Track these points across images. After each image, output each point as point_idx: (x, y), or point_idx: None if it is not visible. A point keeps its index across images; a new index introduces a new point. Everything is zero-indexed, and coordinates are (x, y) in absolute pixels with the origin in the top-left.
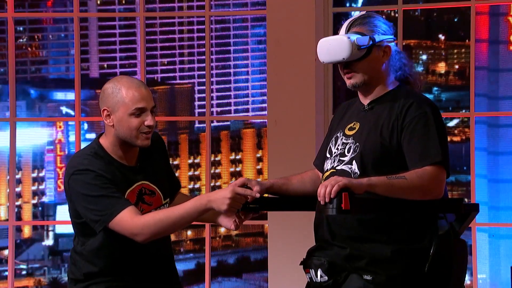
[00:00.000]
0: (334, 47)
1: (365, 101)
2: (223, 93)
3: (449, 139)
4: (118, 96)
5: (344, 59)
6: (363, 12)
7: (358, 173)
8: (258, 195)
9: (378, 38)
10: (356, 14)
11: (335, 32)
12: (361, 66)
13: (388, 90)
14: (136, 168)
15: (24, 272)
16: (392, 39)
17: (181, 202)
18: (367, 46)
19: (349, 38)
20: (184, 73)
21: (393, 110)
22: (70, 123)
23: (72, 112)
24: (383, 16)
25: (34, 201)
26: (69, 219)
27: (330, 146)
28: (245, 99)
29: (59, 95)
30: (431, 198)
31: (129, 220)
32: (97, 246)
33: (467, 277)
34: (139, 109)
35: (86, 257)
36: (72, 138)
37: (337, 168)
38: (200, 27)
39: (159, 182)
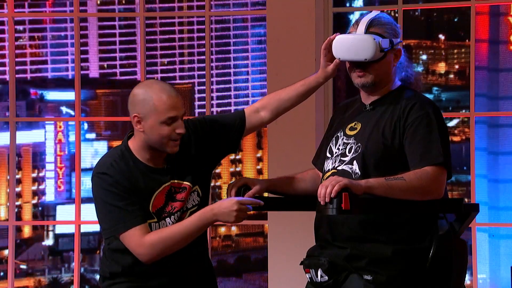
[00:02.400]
0: (357, 45)
1: (368, 100)
2: (223, 93)
3: (449, 139)
4: (150, 103)
5: (366, 59)
6: (378, 12)
7: (359, 173)
8: (262, 203)
9: (395, 41)
10: (368, 13)
11: (336, 32)
12: (376, 68)
13: (391, 90)
14: (163, 169)
15: (24, 272)
16: (401, 42)
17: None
18: (388, 49)
19: (375, 39)
20: (184, 73)
21: (395, 110)
22: (70, 123)
23: (72, 112)
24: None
25: (34, 201)
26: (68, 219)
27: (330, 146)
28: (245, 99)
29: (59, 95)
30: (431, 199)
31: (137, 239)
32: (122, 245)
33: (467, 277)
34: (171, 118)
35: (112, 256)
36: (72, 138)
37: (338, 168)
38: (200, 27)
39: (188, 174)
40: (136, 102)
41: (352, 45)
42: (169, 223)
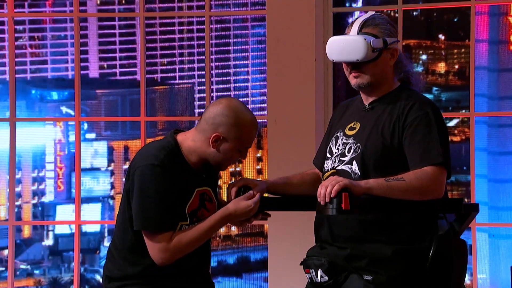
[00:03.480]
0: (348, 47)
1: (367, 101)
2: (223, 93)
3: (449, 139)
4: (238, 133)
5: (358, 60)
6: (373, 13)
7: (359, 173)
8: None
9: (389, 41)
10: (362, 14)
11: (336, 32)
12: (370, 68)
13: (390, 90)
14: (202, 175)
15: (24, 272)
16: (398, 41)
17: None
18: (380, 48)
19: (365, 39)
20: (184, 73)
21: (394, 110)
22: (70, 123)
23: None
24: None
25: (34, 201)
26: (68, 219)
27: (330, 146)
28: (245, 99)
29: (59, 95)
30: (431, 199)
31: (164, 243)
32: (141, 246)
33: (467, 277)
34: (247, 147)
35: (128, 256)
36: (72, 138)
37: (337, 168)
38: (200, 27)
39: (215, 191)
40: (223, 123)
41: (344, 46)
42: None
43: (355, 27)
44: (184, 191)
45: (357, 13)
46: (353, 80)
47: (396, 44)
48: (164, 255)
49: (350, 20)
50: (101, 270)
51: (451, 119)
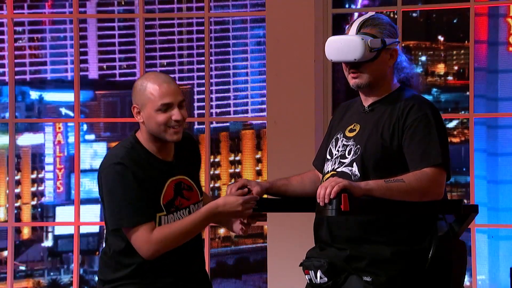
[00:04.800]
0: (346, 46)
1: (367, 102)
2: (223, 94)
3: (448, 140)
4: (145, 93)
5: (355, 60)
6: (373, 13)
7: (359, 175)
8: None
9: (388, 41)
10: (363, 14)
11: (335, 33)
12: (369, 68)
13: (390, 92)
14: (172, 163)
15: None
16: (398, 42)
17: (205, 202)
18: (378, 48)
19: (363, 39)
20: (184, 74)
21: (394, 112)
22: (69, 124)
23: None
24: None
25: (34, 202)
26: (67, 220)
27: (330, 148)
28: (245, 100)
29: (58, 96)
30: (430, 200)
31: (145, 236)
32: (126, 247)
33: (466, 278)
34: (165, 104)
35: (116, 258)
36: (71, 139)
37: (337, 170)
38: (200, 28)
39: (195, 179)
40: (135, 93)
41: (342, 46)
42: (177, 218)
43: (354, 27)
44: (155, 183)
45: (356, 14)
46: (351, 80)
47: (396, 45)
48: (148, 246)
49: (350, 21)
50: None
51: (450, 120)
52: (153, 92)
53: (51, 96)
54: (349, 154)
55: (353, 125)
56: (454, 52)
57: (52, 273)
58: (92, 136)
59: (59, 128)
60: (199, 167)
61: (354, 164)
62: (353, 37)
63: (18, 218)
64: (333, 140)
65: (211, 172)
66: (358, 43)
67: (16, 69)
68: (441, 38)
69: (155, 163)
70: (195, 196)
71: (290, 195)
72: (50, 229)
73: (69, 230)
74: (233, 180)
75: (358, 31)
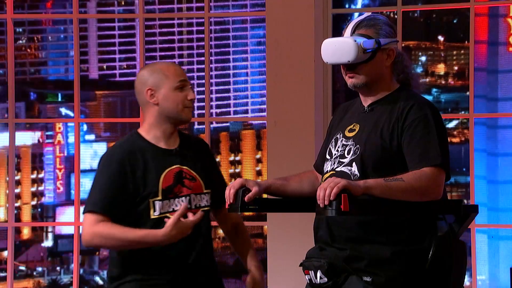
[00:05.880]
0: (339, 49)
1: (366, 102)
2: (223, 94)
3: (448, 140)
4: (159, 74)
5: (349, 61)
6: (369, 14)
7: (358, 175)
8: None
9: (383, 41)
10: (361, 15)
11: (335, 33)
12: (365, 69)
13: (389, 92)
14: (173, 151)
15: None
16: (396, 42)
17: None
18: (372, 49)
19: (355, 41)
20: None
21: (394, 112)
22: (69, 124)
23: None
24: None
25: (34, 202)
26: (67, 220)
27: (330, 148)
28: (245, 100)
29: (58, 97)
30: (429, 200)
31: (89, 224)
32: None
33: (466, 278)
34: (182, 81)
35: (121, 254)
36: (71, 139)
37: (336, 169)
38: (200, 28)
39: (201, 172)
40: (145, 79)
41: (335, 48)
42: (176, 205)
43: (349, 29)
44: (152, 168)
45: (356, 14)
46: (348, 80)
47: (394, 45)
48: (86, 236)
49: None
50: (101, 271)
51: (450, 120)
52: (169, 71)
53: (51, 96)
54: (348, 154)
55: (352, 125)
56: (454, 52)
57: (52, 273)
58: (92, 136)
59: (59, 128)
60: (212, 166)
61: (354, 164)
62: (346, 39)
63: (18, 218)
64: (333, 140)
65: None
66: (351, 44)
67: (16, 69)
68: (441, 38)
69: (155, 151)
70: (198, 187)
71: (289, 194)
72: (50, 229)
73: (68, 230)
74: (232, 180)
75: (353, 33)
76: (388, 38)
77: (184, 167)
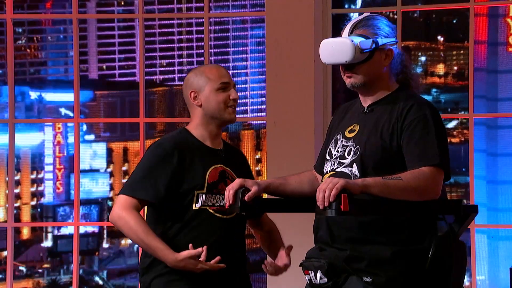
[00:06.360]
0: (336, 49)
1: (365, 103)
2: None
3: (448, 140)
4: (202, 77)
5: (346, 62)
6: (367, 14)
7: (358, 175)
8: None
9: (381, 41)
10: (359, 15)
11: (335, 33)
12: (363, 69)
13: (389, 92)
14: (218, 151)
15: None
16: (395, 42)
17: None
18: (370, 49)
19: (352, 41)
20: (183, 75)
21: (393, 112)
22: (69, 124)
23: (71, 114)
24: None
25: (33, 203)
26: (67, 221)
27: (330, 148)
28: (244, 100)
29: (58, 97)
30: (427, 199)
31: (121, 206)
32: (164, 234)
33: (466, 279)
34: (224, 83)
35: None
36: (71, 139)
37: (337, 170)
38: (199, 28)
39: (240, 177)
40: (190, 82)
41: (332, 49)
42: (216, 200)
43: (347, 29)
44: (199, 164)
45: (356, 15)
46: (346, 80)
47: (393, 45)
48: (113, 214)
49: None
50: (100, 271)
51: (450, 120)
52: (212, 73)
53: (51, 96)
54: (348, 154)
55: (352, 125)
56: (454, 52)
57: (51, 273)
58: (91, 136)
59: (59, 128)
60: (249, 177)
61: (354, 164)
62: (343, 39)
63: (17, 219)
64: (333, 140)
65: None
66: (348, 45)
67: (16, 69)
68: (440, 38)
69: (202, 148)
70: None
71: (288, 194)
72: (49, 229)
73: (68, 230)
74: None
75: (351, 33)
76: (386, 38)
77: (228, 168)
